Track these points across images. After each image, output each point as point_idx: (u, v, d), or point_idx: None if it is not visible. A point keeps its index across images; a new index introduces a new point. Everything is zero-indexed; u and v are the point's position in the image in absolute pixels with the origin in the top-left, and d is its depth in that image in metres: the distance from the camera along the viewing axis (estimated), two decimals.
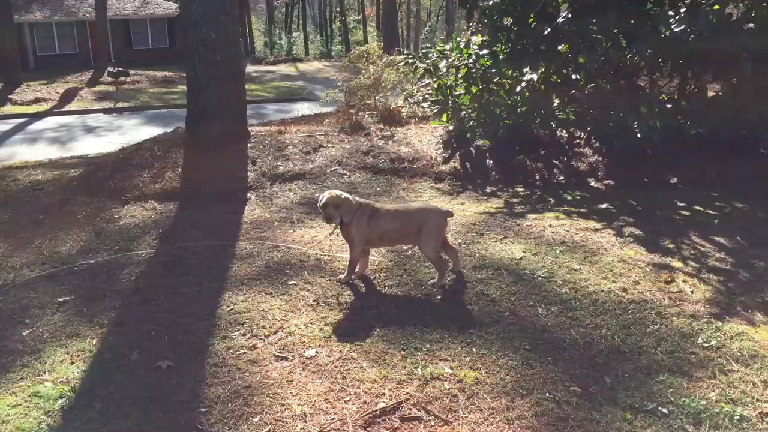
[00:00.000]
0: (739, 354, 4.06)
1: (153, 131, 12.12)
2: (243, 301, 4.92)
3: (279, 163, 8.82)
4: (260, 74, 31.82)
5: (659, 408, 3.53)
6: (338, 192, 5.09)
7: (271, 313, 4.71)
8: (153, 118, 18.49)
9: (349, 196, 5.07)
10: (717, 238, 6.17)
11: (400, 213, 5.27)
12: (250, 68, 31.51)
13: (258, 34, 58.78)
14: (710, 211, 7.06)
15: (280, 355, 4.16)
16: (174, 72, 28.44)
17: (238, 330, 4.49)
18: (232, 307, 4.83)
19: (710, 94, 8.73)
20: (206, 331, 4.49)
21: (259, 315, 4.69)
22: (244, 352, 4.20)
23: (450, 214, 5.34)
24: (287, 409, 3.60)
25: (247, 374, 3.95)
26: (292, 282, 5.25)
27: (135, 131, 15.53)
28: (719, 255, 5.77)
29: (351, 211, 5.01)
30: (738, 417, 3.43)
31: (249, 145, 9.36)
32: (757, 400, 3.60)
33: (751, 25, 7.56)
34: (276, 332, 4.44)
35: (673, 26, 7.73)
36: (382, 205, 5.34)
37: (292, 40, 49.72)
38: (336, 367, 4.01)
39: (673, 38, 7.70)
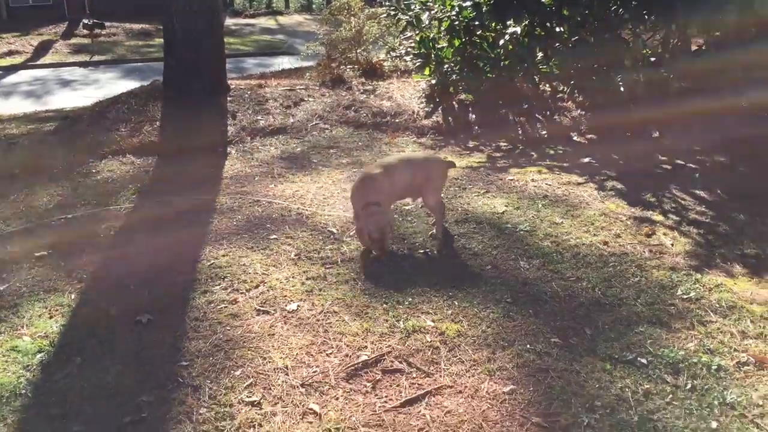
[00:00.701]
0: (717, 305, 4.11)
1: (130, 85, 11.87)
2: (224, 256, 4.88)
3: (259, 117, 8.69)
4: (239, 27, 31.14)
5: (638, 358, 3.57)
6: (371, 227, 4.69)
7: (252, 268, 4.68)
8: (130, 71, 18.11)
9: (376, 210, 4.74)
10: (698, 192, 6.20)
11: (408, 163, 5.18)
12: (228, 21, 30.86)
13: None
14: (691, 165, 7.08)
15: (262, 309, 4.14)
16: (151, 24, 27.72)
17: (219, 284, 4.46)
18: (212, 261, 4.79)
19: (693, 48, 8.68)
20: (186, 285, 4.46)
21: (240, 269, 4.65)
22: (225, 306, 4.18)
23: (452, 164, 5.34)
24: (269, 362, 3.60)
25: (229, 328, 3.93)
26: (274, 236, 5.21)
27: (112, 85, 15.19)
28: (699, 208, 5.80)
29: (379, 198, 4.82)
30: (716, 367, 3.48)
31: (228, 98, 9.20)
32: (735, 350, 3.65)
33: None
34: (257, 286, 4.42)
35: None
36: (381, 163, 5.19)
37: None
38: (318, 320, 4.01)
39: None
